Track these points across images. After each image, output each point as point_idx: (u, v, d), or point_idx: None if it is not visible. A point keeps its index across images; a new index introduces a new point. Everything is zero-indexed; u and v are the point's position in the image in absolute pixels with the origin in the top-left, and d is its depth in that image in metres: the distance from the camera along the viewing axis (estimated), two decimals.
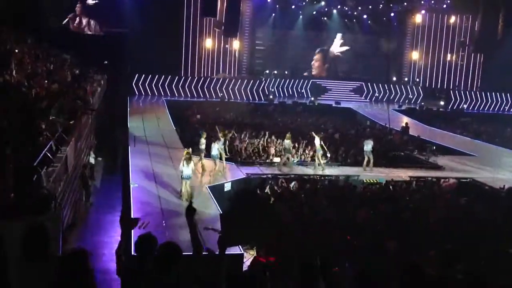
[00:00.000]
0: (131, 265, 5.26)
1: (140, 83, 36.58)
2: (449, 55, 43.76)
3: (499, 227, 13.98)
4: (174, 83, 37.22)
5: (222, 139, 18.78)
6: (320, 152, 20.18)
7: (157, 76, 36.68)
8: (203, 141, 18.24)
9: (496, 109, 40.36)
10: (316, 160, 20.36)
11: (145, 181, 15.77)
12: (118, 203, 15.39)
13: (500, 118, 34.03)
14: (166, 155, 19.58)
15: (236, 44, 40.94)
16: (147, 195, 14.54)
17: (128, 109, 28.94)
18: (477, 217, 14.73)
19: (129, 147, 19.94)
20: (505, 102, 40.56)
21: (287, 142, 20.11)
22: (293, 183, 18.30)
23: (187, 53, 39.73)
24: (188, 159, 14.72)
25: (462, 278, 5.97)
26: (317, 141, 20.20)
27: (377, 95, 41.74)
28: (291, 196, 16.49)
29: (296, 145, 22.43)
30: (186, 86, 37.47)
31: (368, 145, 20.75)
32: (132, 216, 11.68)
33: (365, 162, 20.68)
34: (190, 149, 16.29)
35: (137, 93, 36.19)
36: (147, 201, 13.92)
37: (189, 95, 37.18)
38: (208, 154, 18.30)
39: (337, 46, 43.89)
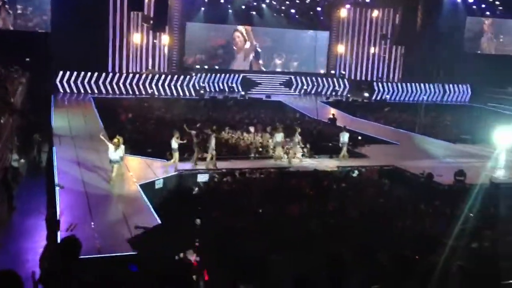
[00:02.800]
0: (54, 268, 5.24)
1: (65, 80, 35.51)
2: (372, 48, 45.29)
3: (420, 209, 14.86)
4: (102, 79, 36.38)
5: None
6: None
7: (83, 73, 35.71)
8: (175, 140, 18.31)
9: (415, 99, 42.17)
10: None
11: (71, 182, 15.43)
12: (43, 206, 14.97)
13: (420, 108, 35.55)
14: (94, 155, 19.18)
15: (165, 39, 40.50)
16: (74, 196, 14.26)
17: (52, 108, 28.05)
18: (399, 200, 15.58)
19: (54, 147, 19.39)
20: (424, 92, 42.46)
21: (281, 135, 20.91)
22: (225, 180, 18.45)
23: (114, 49, 38.80)
24: (117, 146, 15.85)
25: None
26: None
27: (306, 88, 42.64)
28: (224, 191, 16.67)
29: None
30: (114, 83, 36.72)
31: (344, 137, 21.53)
32: (58, 219, 11.49)
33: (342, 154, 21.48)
34: (122, 138, 16.67)
35: (62, 91, 35.13)
36: (74, 203, 13.65)
37: (117, 92, 36.46)
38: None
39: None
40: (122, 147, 16.33)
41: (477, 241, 11.75)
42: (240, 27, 43.97)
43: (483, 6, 42.63)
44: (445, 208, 15.09)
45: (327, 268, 5.29)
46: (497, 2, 42.17)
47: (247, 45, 44.36)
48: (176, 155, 18.43)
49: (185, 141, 18.94)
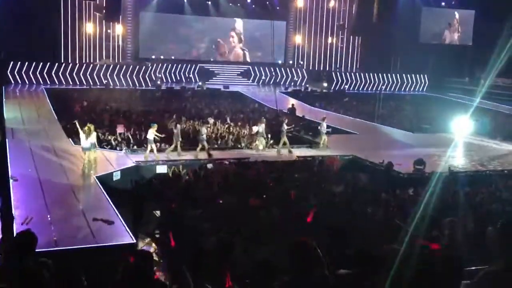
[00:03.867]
0: (10, 264, 4.90)
1: (16, 71, 34.25)
2: (330, 38, 45.51)
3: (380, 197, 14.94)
4: (54, 70, 35.26)
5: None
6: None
7: (34, 63, 34.51)
8: (151, 133, 18.68)
9: (374, 89, 42.73)
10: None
11: (26, 175, 14.81)
12: None
13: (378, 98, 36.11)
14: (49, 147, 18.52)
15: (119, 29, 39.59)
16: (29, 189, 13.68)
17: (3, 99, 26.98)
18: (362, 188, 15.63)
19: (6, 140, 18.60)
20: (381, 81, 43.06)
21: (263, 126, 21.25)
22: (184, 171, 18.14)
23: (66, 39, 37.75)
24: (88, 133, 16.29)
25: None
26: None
27: (264, 78, 42.53)
28: (183, 182, 16.34)
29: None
30: (67, 73, 35.67)
31: (323, 126, 21.88)
32: (12, 212, 10.96)
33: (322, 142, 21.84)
34: (92, 126, 17.00)
35: (13, 81, 33.88)
36: (29, 196, 13.09)
37: (70, 83, 35.46)
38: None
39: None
40: (94, 134, 16.74)
41: (436, 229, 11.85)
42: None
43: None
44: (404, 196, 15.22)
45: (291, 255, 5.08)
46: None
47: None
48: (152, 146, 18.68)
49: (162, 135, 19.59)
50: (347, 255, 9.09)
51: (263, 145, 21.48)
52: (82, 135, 16.49)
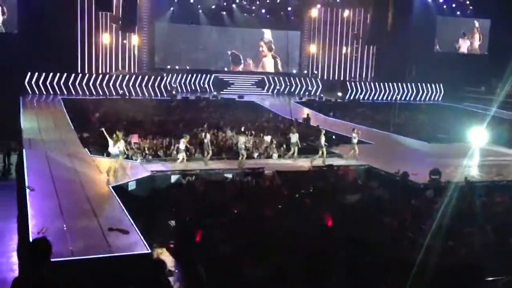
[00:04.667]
0: (26, 272, 4.96)
1: (33, 81, 34.68)
2: (344, 48, 45.49)
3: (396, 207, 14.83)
4: (71, 80, 35.61)
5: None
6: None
7: (51, 73, 34.92)
8: (182, 143, 19.62)
9: (388, 99, 42.54)
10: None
11: (43, 185, 14.94)
12: (13, 209, 14.47)
13: (393, 107, 35.97)
14: (65, 157, 18.68)
15: (134, 39, 40.00)
16: (45, 199, 13.78)
17: (21, 109, 27.35)
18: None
19: (24, 149, 18.84)
20: (396, 91, 42.86)
21: (296, 136, 21.66)
22: (199, 179, 18.20)
23: (83, 50, 38.15)
24: (116, 141, 16.86)
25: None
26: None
27: (279, 88, 42.56)
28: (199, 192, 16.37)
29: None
30: (83, 84, 35.98)
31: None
32: (29, 222, 11.07)
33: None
34: (121, 133, 17.72)
35: (30, 92, 34.30)
36: (45, 205, 13.18)
37: (87, 93, 35.77)
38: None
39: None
40: (122, 142, 17.42)
41: (452, 239, 11.74)
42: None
43: (453, 5, 43.27)
44: (420, 206, 15.08)
45: (309, 264, 5.07)
46: (467, 2, 42.83)
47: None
48: (182, 155, 19.56)
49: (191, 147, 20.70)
50: (364, 264, 9.09)
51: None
52: (110, 142, 16.93)
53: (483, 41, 44.91)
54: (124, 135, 22.33)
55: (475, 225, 12.50)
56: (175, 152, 20.60)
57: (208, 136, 20.94)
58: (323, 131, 22.13)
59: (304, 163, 21.03)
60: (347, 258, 8.85)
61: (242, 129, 25.55)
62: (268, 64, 44.94)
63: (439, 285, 7.93)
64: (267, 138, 22.82)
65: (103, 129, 18.35)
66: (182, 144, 19.63)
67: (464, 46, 45.34)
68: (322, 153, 21.41)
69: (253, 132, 24.92)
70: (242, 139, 21.07)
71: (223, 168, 19.92)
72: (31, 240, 10.14)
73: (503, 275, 8.44)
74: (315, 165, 20.59)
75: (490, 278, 8.64)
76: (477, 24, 44.81)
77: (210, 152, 20.40)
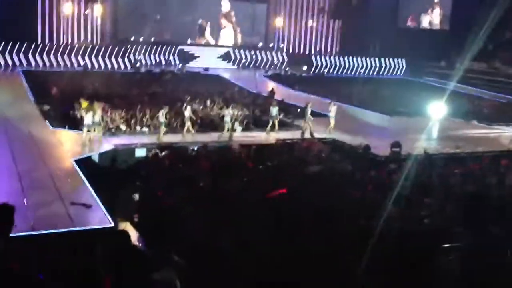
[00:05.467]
0: None
1: None
2: (310, 21, 45.42)
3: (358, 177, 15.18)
4: (31, 51, 34.66)
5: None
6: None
7: (11, 43, 33.87)
8: (162, 115, 19.57)
9: (353, 73, 42.97)
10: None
11: (1, 160, 14.66)
12: None
13: (358, 81, 36.34)
14: (25, 131, 18.31)
15: (97, 10, 38.95)
16: (5, 174, 13.56)
17: None
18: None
19: None
20: (360, 66, 43.32)
21: (276, 109, 21.65)
22: (164, 152, 18.12)
23: (43, 19, 37.03)
24: (87, 110, 17.39)
25: None
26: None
27: (244, 61, 42.38)
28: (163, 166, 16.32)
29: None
30: (44, 55, 35.10)
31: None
32: None
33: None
34: (88, 101, 18.39)
35: None
36: (5, 181, 12.99)
37: (47, 65, 34.92)
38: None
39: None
40: (98, 112, 17.93)
41: (411, 209, 12.12)
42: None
43: None
44: (381, 177, 15.44)
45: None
46: None
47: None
48: (162, 128, 19.50)
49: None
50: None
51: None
52: (83, 113, 17.54)
53: (443, 16, 45.52)
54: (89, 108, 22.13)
55: (434, 195, 12.92)
56: (155, 122, 20.50)
57: (189, 108, 20.87)
58: (310, 104, 22.24)
59: (269, 137, 21.11)
60: (311, 225, 9.09)
61: (208, 102, 25.44)
62: (227, 36, 44.33)
63: (398, 250, 8.23)
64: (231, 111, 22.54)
65: (81, 99, 19.17)
66: (162, 116, 19.50)
67: (425, 21, 45.88)
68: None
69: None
70: (228, 112, 21.02)
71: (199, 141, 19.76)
72: None
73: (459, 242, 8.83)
74: (279, 139, 20.75)
75: (446, 245, 9.01)
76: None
77: (190, 125, 20.44)
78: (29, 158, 15.07)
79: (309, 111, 21.69)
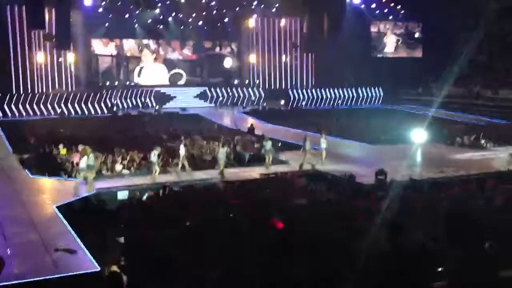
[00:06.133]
0: None
1: None
2: (284, 56, 46.02)
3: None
4: (6, 101, 34.34)
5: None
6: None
7: None
8: (154, 155, 19.27)
9: (330, 105, 43.42)
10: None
11: None
12: None
13: (334, 112, 36.79)
14: (5, 180, 17.93)
15: (70, 57, 38.95)
16: None
17: None
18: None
19: None
20: (337, 97, 43.84)
21: (269, 143, 21.61)
22: (147, 193, 17.83)
23: (16, 69, 36.92)
24: (82, 155, 17.55)
25: None
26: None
27: (221, 99, 42.55)
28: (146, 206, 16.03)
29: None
30: (20, 104, 34.80)
31: (267, 145, 21.83)
32: None
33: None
34: (89, 148, 18.15)
35: None
36: None
37: (24, 114, 34.58)
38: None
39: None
40: (91, 156, 17.69)
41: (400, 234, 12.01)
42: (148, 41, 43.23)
43: (386, 10, 44.67)
44: (368, 205, 15.34)
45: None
46: (398, 7, 44.32)
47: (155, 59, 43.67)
48: (156, 167, 19.24)
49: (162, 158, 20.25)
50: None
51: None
52: (79, 158, 17.81)
53: (412, 45, 46.52)
54: (69, 153, 21.83)
55: (422, 219, 12.83)
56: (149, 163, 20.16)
57: (183, 147, 20.71)
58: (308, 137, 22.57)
59: (253, 172, 20.98)
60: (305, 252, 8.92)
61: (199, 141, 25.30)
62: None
63: (391, 275, 8.10)
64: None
65: (79, 145, 19.61)
66: (154, 156, 19.28)
67: (398, 49, 46.68)
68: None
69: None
70: (222, 150, 20.79)
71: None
72: None
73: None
74: (262, 173, 20.63)
75: (439, 269, 8.89)
76: (405, 29, 46.44)
77: (186, 164, 20.38)
78: (10, 207, 14.65)
79: (308, 143, 21.76)
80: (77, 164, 20.41)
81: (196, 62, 45.08)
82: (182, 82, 43.62)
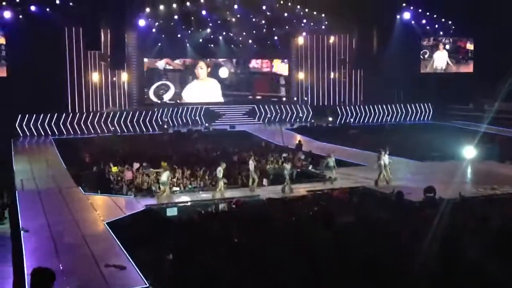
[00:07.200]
0: None
1: (24, 123, 34.73)
2: (332, 73, 45.93)
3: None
4: (62, 120, 35.75)
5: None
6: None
7: (42, 114, 35.01)
8: (219, 172, 19.73)
9: (378, 121, 42.92)
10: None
11: (37, 226, 14.84)
12: (8, 251, 14.30)
13: (384, 128, 36.34)
14: (59, 197, 18.62)
15: (124, 76, 40.25)
16: (40, 239, 13.69)
17: (13, 152, 27.29)
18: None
19: (16, 192, 18.75)
20: (386, 113, 43.30)
21: (289, 166, 21.30)
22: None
23: (73, 89, 38.48)
24: (164, 170, 19.31)
25: None
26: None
27: (270, 116, 42.81)
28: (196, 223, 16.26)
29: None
30: (75, 123, 36.15)
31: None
32: (24, 264, 10.96)
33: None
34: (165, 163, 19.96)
35: (21, 134, 34.31)
36: (40, 246, 13.10)
37: (79, 132, 35.87)
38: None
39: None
40: (167, 172, 19.39)
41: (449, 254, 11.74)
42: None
43: (436, 26, 43.92)
44: (417, 224, 15.05)
45: None
46: (449, 22, 43.50)
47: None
48: (220, 183, 19.74)
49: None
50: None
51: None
52: (161, 172, 19.39)
53: (462, 60, 45.41)
54: (120, 171, 22.44)
55: (471, 239, 12.50)
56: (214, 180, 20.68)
57: (252, 162, 21.06)
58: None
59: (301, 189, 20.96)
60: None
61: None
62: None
63: None
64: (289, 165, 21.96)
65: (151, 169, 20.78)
66: (219, 172, 19.71)
67: (448, 65, 45.55)
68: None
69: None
70: (288, 166, 21.09)
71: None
72: (27, 284, 10.05)
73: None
74: (309, 190, 20.61)
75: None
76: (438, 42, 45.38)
77: (256, 179, 20.81)
78: (63, 223, 15.20)
79: (386, 158, 21.76)
80: (129, 181, 21.10)
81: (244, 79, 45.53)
82: (169, 95, 43.63)
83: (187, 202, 19.33)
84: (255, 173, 20.99)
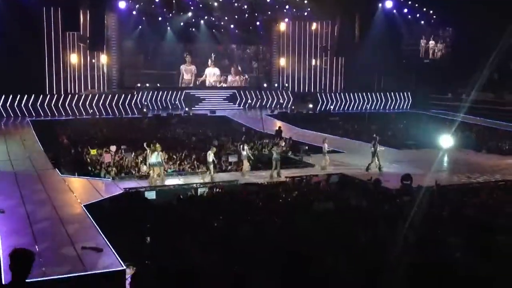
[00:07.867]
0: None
1: (0, 104, 34.16)
2: (313, 60, 45.97)
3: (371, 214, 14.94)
4: (39, 102, 35.21)
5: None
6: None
7: (19, 95, 34.45)
8: (210, 154, 19.88)
9: (359, 109, 43.18)
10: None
11: (13, 207, 14.66)
12: None
13: (364, 116, 36.48)
14: (35, 178, 18.39)
15: (103, 58, 39.71)
16: (16, 221, 13.53)
17: None
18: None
19: None
20: (366, 101, 43.56)
21: (246, 149, 21.52)
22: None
23: (51, 70, 37.84)
24: (153, 151, 19.19)
25: None
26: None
27: (250, 101, 42.75)
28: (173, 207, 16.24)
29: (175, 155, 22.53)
30: (52, 105, 35.63)
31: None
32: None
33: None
34: (158, 145, 19.70)
35: None
36: (16, 227, 12.94)
37: (56, 114, 35.39)
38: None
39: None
40: (160, 153, 19.30)
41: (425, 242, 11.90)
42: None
43: (418, 15, 44.16)
44: (394, 211, 15.23)
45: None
46: (430, 12, 43.74)
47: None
48: (211, 167, 19.77)
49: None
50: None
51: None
52: (148, 153, 19.26)
53: (442, 50, 45.83)
54: (99, 154, 22.27)
55: (447, 227, 12.69)
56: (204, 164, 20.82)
57: (246, 147, 21.28)
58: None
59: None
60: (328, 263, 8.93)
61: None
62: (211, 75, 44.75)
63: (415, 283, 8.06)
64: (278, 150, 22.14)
65: (144, 143, 20.23)
66: (210, 156, 19.76)
67: (429, 54, 46.02)
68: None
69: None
70: (276, 150, 21.25)
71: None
72: (2, 264, 9.96)
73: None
74: (288, 176, 20.69)
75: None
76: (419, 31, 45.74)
77: (248, 164, 20.99)
78: (39, 205, 15.04)
79: (378, 146, 22.03)
80: (108, 164, 20.94)
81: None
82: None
83: (165, 186, 19.23)
84: (247, 158, 21.04)
